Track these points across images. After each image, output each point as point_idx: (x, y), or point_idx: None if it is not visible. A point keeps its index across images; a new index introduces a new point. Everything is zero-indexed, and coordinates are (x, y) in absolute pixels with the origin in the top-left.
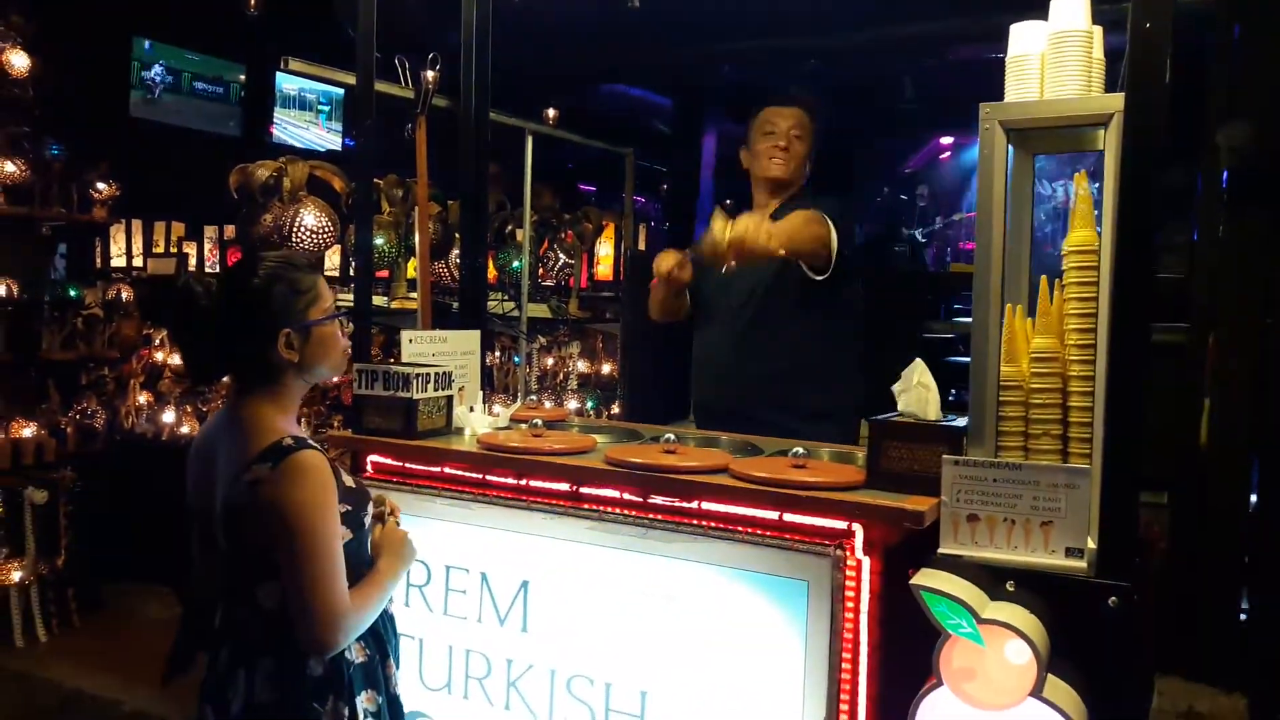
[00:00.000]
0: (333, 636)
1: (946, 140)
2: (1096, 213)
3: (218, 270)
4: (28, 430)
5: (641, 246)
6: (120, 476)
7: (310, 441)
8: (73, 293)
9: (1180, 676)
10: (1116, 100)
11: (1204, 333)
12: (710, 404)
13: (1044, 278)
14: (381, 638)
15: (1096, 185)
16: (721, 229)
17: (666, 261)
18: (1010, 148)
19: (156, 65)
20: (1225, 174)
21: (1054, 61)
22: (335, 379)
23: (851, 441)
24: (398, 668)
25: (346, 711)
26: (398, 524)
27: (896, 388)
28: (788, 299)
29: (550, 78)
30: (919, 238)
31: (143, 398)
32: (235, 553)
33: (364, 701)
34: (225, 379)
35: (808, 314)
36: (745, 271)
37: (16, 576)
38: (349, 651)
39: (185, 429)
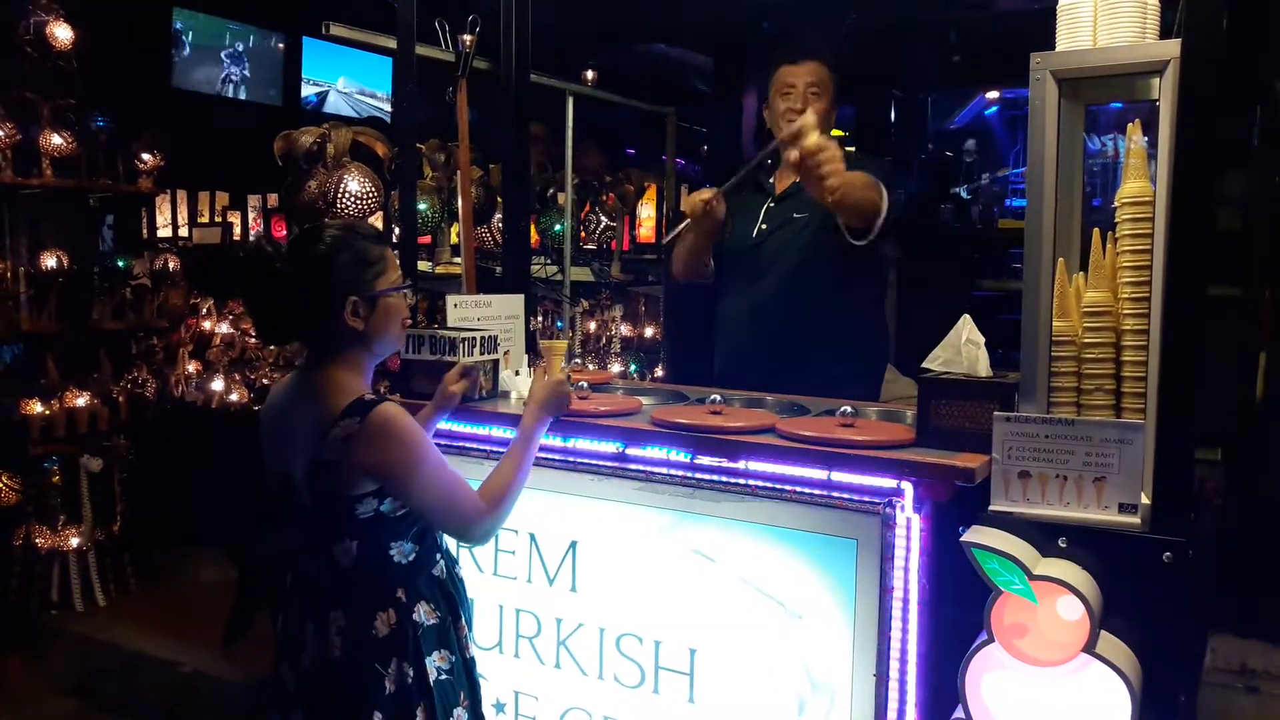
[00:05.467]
0: (488, 524)
1: (993, 95)
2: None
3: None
4: (81, 400)
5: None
6: (172, 444)
7: (387, 396)
8: (121, 263)
9: (1233, 633)
10: (1172, 46)
11: (1260, 287)
12: (730, 371)
13: (1095, 230)
14: (454, 599)
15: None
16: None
17: (700, 196)
18: (1061, 99)
19: (195, 34)
20: None
21: (1106, 8)
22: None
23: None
24: (470, 630)
25: (412, 673)
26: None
27: (928, 362)
28: (817, 265)
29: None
30: (964, 195)
31: (191, 366)
32: (321, 510)
33: (436, 660)
34: (295, 344)
35: (836, 281)
36: (774, 236)
37: (75, 542)
38: (419, 614)
39: (234, 396)
